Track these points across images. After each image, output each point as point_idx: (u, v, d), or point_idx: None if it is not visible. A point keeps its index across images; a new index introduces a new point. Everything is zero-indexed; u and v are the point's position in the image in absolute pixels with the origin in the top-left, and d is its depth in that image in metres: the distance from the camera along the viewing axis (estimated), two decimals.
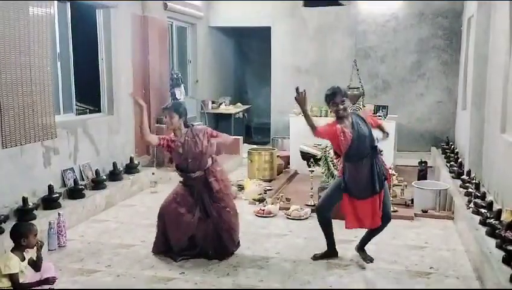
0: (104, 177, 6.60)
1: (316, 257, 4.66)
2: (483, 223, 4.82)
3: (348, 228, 4.48)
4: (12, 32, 5.05)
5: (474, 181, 6.07)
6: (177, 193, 4.74)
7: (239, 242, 4.89)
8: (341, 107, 4.32)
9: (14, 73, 5.10)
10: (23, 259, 3.80)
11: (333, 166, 6.08)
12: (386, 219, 4.47)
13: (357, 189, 4.36)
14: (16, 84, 5.13)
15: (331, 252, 4.67)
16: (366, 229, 4.57)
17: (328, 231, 4.63)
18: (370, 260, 4.54)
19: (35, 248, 3.89)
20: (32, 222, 4.48)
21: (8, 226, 4.71)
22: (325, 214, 4.56)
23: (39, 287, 3.77)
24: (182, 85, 9.10)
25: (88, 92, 7.27)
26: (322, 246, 4.74)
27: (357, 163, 4.32)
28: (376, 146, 4.38)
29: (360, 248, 4.65)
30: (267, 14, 10.68)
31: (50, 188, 5.57)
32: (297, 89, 4.26)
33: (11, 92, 5.05)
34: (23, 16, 5.20)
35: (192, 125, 4.76)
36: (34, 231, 3.87)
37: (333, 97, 4.35)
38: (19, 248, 3.80)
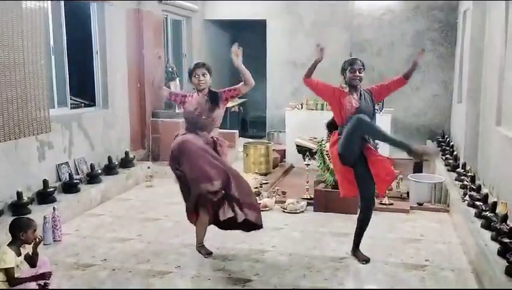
0: (99, 172, 6.58)
1: (366, 261, 4.46)
2: (478, 215, 4.84)
3: (343, 195, 4.51)
4: (5, 25, 5.00)
5: (469, 174, 6.08)
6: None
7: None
8: (358, 74, 4.35)
9: (8, 67, 5.05)
10: (19, 254, 3.78)
11: (329, 159, 6.07)
12: (364, 204, 4.41)
13: (350, 157, 4.31)
14: (10, 78, 5.08)
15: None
16: (357, 218, 4.53)
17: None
18: (366, 260, 4.44)
19: (32, 243, 3.87)
20: (27, 216, 4.45)
21: (2, 220, 4.70)
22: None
23: (34, 282, 3.76)
24: (177, 79, 9.05)
25: (83, 85, 7.24)
26: (318, 239, 4.75)
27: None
28: None
29: (354, 249, 4.57)
30: (262, 8, 10.64)
31: (45, 182, 5.55)
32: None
33: (4, 85, 5.01)
34: (16, 9, 5.15)
35: (209, 88, 4.62)
36: (33, 227, 3.85)
37: (352, 63, 4.37)
38: (16, 242, 3.78)
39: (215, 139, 4.52)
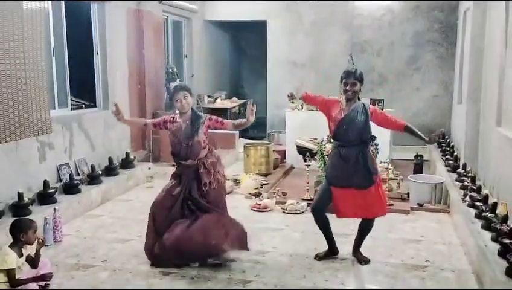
0: (100, 172, 6.58)
1: (319, 257, 4.56)
2: (478, 216, 4.84)
3: (338, 216, 4.51)
4: (6, 26, 5.00)
5: (469, 174, 6.08)
6: (164, 189, 4.52)
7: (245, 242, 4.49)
8: (349, 89, 4.28)
9: (8, 68, 5.05)
10: (20, 255, 3.79)
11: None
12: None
13: (337, 177, 4.34)
14: (10, 79, 5.08)
15: (332, 250, 4.60)
16: (359, 224, 4.56)
17: (326, 229, 4.54)
18: (366, 261, 4.47)
19: (34, 244, 3.88)
20: (28, 217, 4.46)
21: (3, 221, 4.71)
22: (320, 213, 4.46)
23: (35, 283, 3.77)
24: (178, 79, 9.08)
25: (83, 86, 7.24)
26: (318, 240, 4.74)
27: (341, 148, 4.33)
28: (366, 141, 4.36)
29: (355, 250, 4.59)
30: (262, 8, 10.65)
31: (45, 183, 5.55)
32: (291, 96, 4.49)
33: (5, 87, 5.01)
34: (17, 11, 5.15)
35: (192, 109, 4.50)
36: (34, 228, 3.86)
37: (345, 77, 4.31)
38: (17, 243, 3.79)
39: (198, 162, 4.37)
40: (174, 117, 4.50)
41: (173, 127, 4.45)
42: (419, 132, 4.40)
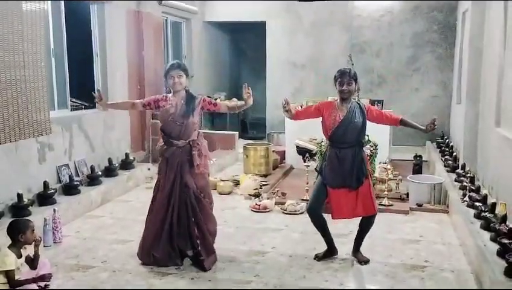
0: (100, 173, 6.58)
1: (319, 258, 4.57)
2: (477, 216, 4.85)
3: (333, 218, 4.48)
4: (5, 28, 5.00)
5: (468, 175, 6.09)
6: (159, 185, 4.48)
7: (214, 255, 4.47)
8: (345, 88, 4.24)
9: (8, 69, 5.06)
10: (20, 256, 3.79)
11: None
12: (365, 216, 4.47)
13: (331, 177, 4.34)
14: (10, 81, 5.08)
15: (331, 251, 4.60)
16: (359, 223, 4.56)
17: (323, 230, 4.54)
18: (365, 261, 4.47)
19: (32, 245, 3.88)
20: (28, 218, 4.47)
21: (2, 222, 4.71)
22: (316, 214, 4.45)
23: (35, 284, 3.77)
24: None
25: (83, 87, 7.24)
26: (318, 240, 4.76)
27: (339, 150, 4.32)
28: (362, 141, 4.38)
29: (355, 250, 4.59)
30: (262, 9, 10.67)
31: (45, 184, 5.56)
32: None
33: (5, 88, 5.01)
34: (16, 12, 5.16)
35: (186, 90, 4.45)
36: (31, 227, 3.87)
37: (340, 77, 4.27)
38: (16, 244, 3.80)
39: (191, 144, 4.37)
40: (166, 96, 4.46)
41: (166, 104, 4.40)
42: (415, 123, 4.37)
